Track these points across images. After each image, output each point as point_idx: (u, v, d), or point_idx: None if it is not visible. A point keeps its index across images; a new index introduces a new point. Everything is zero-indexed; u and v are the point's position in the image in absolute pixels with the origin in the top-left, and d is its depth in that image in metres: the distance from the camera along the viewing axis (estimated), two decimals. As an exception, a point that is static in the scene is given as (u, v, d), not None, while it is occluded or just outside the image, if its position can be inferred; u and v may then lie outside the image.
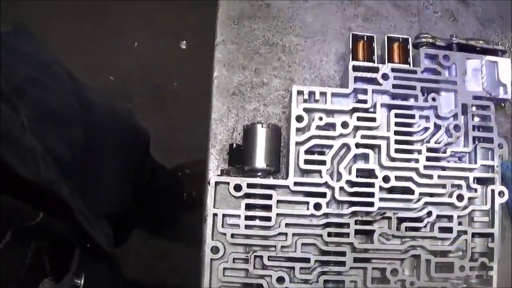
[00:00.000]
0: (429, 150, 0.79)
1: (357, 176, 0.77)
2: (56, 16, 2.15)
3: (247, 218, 0.76)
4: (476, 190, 0.79)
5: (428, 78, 0.81)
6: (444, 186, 0.79)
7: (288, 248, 0.76)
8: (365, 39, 0.81)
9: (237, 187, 0.75)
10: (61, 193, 0.75)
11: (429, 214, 0.78)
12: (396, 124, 0.79)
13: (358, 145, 0.78)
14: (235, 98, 0.86)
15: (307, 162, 0.77)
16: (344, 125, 0.78)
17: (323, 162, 0.77)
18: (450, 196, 0.78)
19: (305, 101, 0.79)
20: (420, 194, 0.78)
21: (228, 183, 0.76)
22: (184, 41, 2.19)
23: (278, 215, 0.76)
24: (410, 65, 0.81)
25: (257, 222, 0.76)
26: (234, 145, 0.80)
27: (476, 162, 0.80)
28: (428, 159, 0.78)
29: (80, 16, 2.18)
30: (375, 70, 0.80)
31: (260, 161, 0.76)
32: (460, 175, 0.79)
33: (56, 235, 0.80)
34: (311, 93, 0.79)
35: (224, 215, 0.75)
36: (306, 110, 0.78)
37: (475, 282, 0.79)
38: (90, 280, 0.84)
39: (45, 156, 0.75)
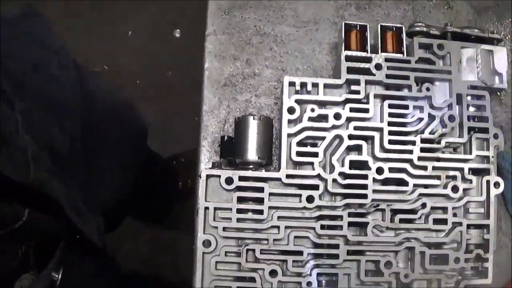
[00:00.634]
0: (424, 141, 0.78)
1: (350, 168, 0.76)
2: (50, 6, 2.13)
3: (239, 211, 0.75)
4: (471, 181, 0.78)
5: (422, 67, 0.79)
6: (438, 177, 0.78)
7: (280, 241, 0.75)
8: (358, 28, 0.80)
9: (229, 180, 0.74)
10: (52, 192, 0.74)
11: (424, 205, 0.77)
12: (390, 115, 0.77)
13: (351, 137, 0.77)
14: (226, 90, 0.85)
15: (299, 154, 0.76)
16: (337, 116, 0.76)
17: (315, 154, 0.76)
18: (445, 187, 0.78)
19: (297, 92, 0.78)
20: (414, 185, 0.77)
21: (219, 176, 0.75)
22: (178, 30, 2.17)
23: (270, 208, 0.75)
24: (403, 55, 0.79)
25: (249, 215, 0.75)
26: (226, 137, 0.79)
27: (471, 153, 0.79)
28: (423, 150, 0.77)
29: (74, 5, 2.16)
30: (368, 60, 0.78)
31: (252, 154, 0.75)
32: (455, 166, 0.78)
33: (43, 233, 0.79)
34: (303, 84, 0.78)
35: (215, 208, 0.75)
36: (298, 101, 0.76)
37: (470, 273, 0.78)
38: (76, 274, 0.83)
39: (39, 153, 0.73)
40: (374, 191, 0.76)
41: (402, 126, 0.78)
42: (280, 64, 0.86)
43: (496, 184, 0.78)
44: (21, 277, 0.74)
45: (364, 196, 0.76)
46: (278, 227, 0.75)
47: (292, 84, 0.77)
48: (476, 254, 0.77)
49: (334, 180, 0.76)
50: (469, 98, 0.80)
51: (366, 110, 0.77)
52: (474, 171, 0.79)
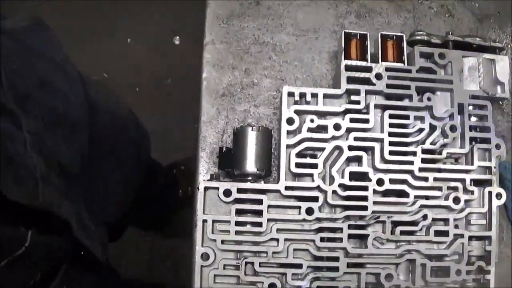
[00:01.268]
0: (425, 151, 0.77)
1: (350, 180, 0.75)
2: (49, 13, 2.13)
3: (238, 223, 0.74)
4: (473, 192, 0.78)
5: (423, 77, 0.78)
6: (440, 188, 0.77)
7: (279, 254, 0.74)
8: (358, 37, 0.79)
9: (227, 193, 0.74)
10: (61, 212, 0.73)
11: (425, 217, 0.76)
12: (390, 125, 0.77)
13: (351, 148, 0.76)
14: (224, 99, 0.84)
15: (298, 165, 0.75)
16: (337, 127, 0.76)
17: (315, 166, 0.75)
18: (446, 198, 0.77)
19: (296, 102, 0.77)
20: (415, 197, 0.76)
21: (217, 188, 0.74)
22: (177, 37, 2.17)
23: (269, 220, 0.74)
24: (404, 64, 0.79)
25: (248, 228, 0.74)
26: (224, 148, 0.78)
27: (473, 164, 0.78)
28: (424, 161, 0.76)
29: (74, 13, 2.16)
30: (368, 69, 0.77)
31: (250, 165, 0.75)
32: (456, 177, 0.78)
33: (47, 260, 0.77)
34: (302, 95, 0.77)
35: (214, 221, 0.74)
36: (297, 112, 0.76)
37: (472, 286, 0.77)
38: None
39: (48, 172, 0.72)
40: (375, 202, 0.75)
41: (403, 137, 0.77)
42: (279, 74, 0.86)
43: (498, 195, 0.78)
44: None
45: (365, 208, 0.75)
46: (277, 239, 0.74)
47: (291, 94, 0.77)
48: (477, 266, 0.77)
49: (334, 192, 0.75)
50: (470, 108, 0.79)
51: (366, 121, 0.76)
52: (476, 182, 0.78)
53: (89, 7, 2.19)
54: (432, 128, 0.77)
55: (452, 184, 0.77)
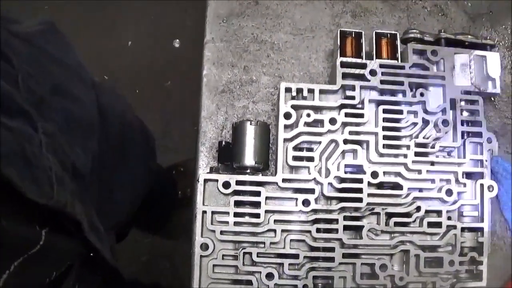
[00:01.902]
0: (418, 145, 0.79)
1: (345, 172, 0.77)
2: (49, 14, 2.15)
3: (236, 215, 0.76)
4: (465, 185, 0.79)
5: (416, 73, 0.81)
6: (433, 181, 0.79)
7: (277, 245, 0.76)
8: (353, 35, 0.81)
9: (226, 184, 0.76)
10: (74, 213, 0.74)
11: (418, 209, 0.78)
12: (384, 119, 0.79)
13: (346, 141, 0.78)
14: (224, 96, 0.86)
15: (295, 158, 0.77)
16: (332, 121, 0.78)
17: (311, 159, 0.78)
18: (439, 191, 0.79)
19: (293, 98, 0.79)
20: (409, 189, 0.78)
21: (217, 181, 0.76)
22: (177, 40, 2.19)
23: (267, 211, 0.76)
24: (398, 61, 0.81)
25: (246, 219, 0.76)
26: (223, 143, 0.80)
27: (465, 157, 0.80)
28: (417, 154, 0.78)
29: (73, 15, 2.18)
30: (363, 66, 0.80)
31: (249, 159, 0.77)
32: (449, 170, 0.79)
33: (61, 258, 0.78)
34: (299, 90, 0.79)
35: (213, 212, 0.76)
36: (294, 107, 0.78)
37: (465, 276, 0.79)
38: None
39: (61, 173, 0.73)
40: (369, 194, 0.77)
41: (397, 131, 0.79)
42: (277, 71, 0.88)
43: (490, 187, 0.79)
44: None
45: (359, 200, 0.77)
46: (274, 230, 0.76)
47: (288, 90, 0.79)
48: (470, 257, 0.78)
49: (330, 184, 0.77)
50: (462, 103, 0.81)
51: (361, 115, 0.78)
52: (467, 175, 0.80)
53: (89, 9, 2.21)
54: (425, 122, 0.79)
55: (445, 176, 0.79)
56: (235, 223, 0.76)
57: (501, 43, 0.92)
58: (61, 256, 0.77)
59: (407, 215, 0.78)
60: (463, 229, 0.79)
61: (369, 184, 0.77)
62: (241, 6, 0.90)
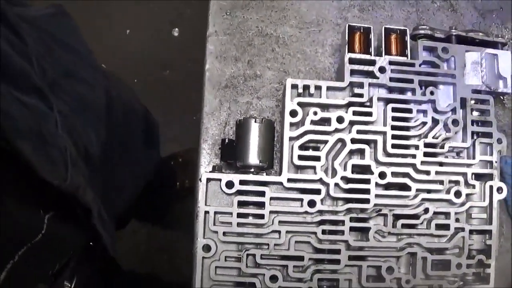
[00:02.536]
0: (427, 145, 0.77)
1: (352, 172, 0.75)
2: (48, 3, 2.11)
3: (240, 215, 0.74)
4: (474, 186, 0.78)
5: (426, 71, 0.78)
6: (441, 182, 0.77)
7: (281, 246, 0.74)
8: (362, 30, 0.79)
9: (229, 184, 0.73)
10: (85, 197, 0.72)
11: (426, 211, 0.76)
12: (393, 118, 0.76)
13: (353, 140, 0.76)
14: (227, 91, 0.83)
15: (301, 158, 0.75)
16: (340, 119, 0.75)
17: (317, 158, 0.75)
18: (448, 192, 0.77)
19: (299, 95, 0.77)
20: (417, 190, 0.76)
21: (220, 180, 0.74)
22: (176, 29, 2.16)
23: (271, 212, 0.74)
24: (407, 58, 0.78)
25: (249, 220, 0.74)
26: (227, 140, 0.78)
27: (474, 158, 0.78)
28: (426, 154, 0.76)
29: (72, 4, 2.14)
30: (372, 63, 0.77)
31: (253, 157, 0.74)
32: (458, 171, 0.78)
33: (62, 246, 0.76)
34: (306, 87, 0.77)
35: (216, 213, 0.74)
36: (300, 104, 0.75)
37: (472, 279, 0.78)
38: (86, 281, 0.81)
39: (76, 155, 0.71)
40: (377, 195, 0.75)
41: (406, 130, 0.77)
42: (282, 66, 0.85)
43: (499, 189, 0.78)
44: (36, 287, 0.72)
45: (366, 201, 0.75)
46: (279, 231, 0.74)
47: (294, 86, 0.76)
48: (478, 260, 0.77)
49: (336, 185, 0.75)
50: (473, 102, 0.79)
51: (369, 114, 0.76)
52: (477, 176, 0.79)
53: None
54: (435, 122, 0.77)
55: (454, 178, 0.77)
56: (239, 224, 0.74)
57: (511, 41, 0.90)
58: (63, 246, 0.76)
59: (415, 216, 0.76)
60: (471, 232, 0.77)
61: (377, 184, 0.75)
62: (245, -2, 0.87)
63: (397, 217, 0.76)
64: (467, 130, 0.78)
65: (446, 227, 0.76)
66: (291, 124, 0.76)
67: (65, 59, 0.81)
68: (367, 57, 0.77)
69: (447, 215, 0.77)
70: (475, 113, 0.79)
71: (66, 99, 0.75)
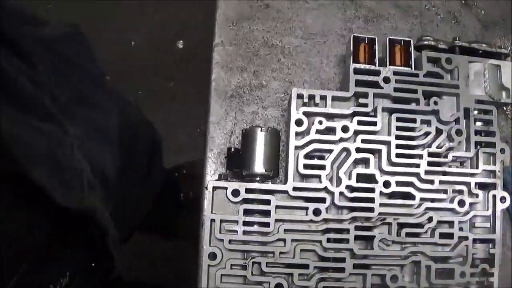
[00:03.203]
0: (431, 155, 0.77)
1: (357, 181, 0.76)
2: (53, 14, 2.13)
3: (245, 223, 0.74)
4: (477, 196, 0.78)
5: (430, 81, 0.79)
6: (445, 191, 0.78)
7: (286, 254, 0.75)
8: (366, 41, 0.80)
9: (235, 192, 0.74)
10: (101, 219, 0.72)
11: (430, 219, 0.77)
12: (397, 128, 0.77)
13: (358, 150, 0.77)
14: (233, 101, 0.84)
15: (306, 166, 0.76)
16: (345, 129, 0.76)
17: (322, 167, 0.76)
18: (451, 201, 0.77)
19: (304, 104, 0.77)
20: (421, 199, 0.77)
21: (226, 188, 0.74)
22: (181, 41, 2.17)
23: (276, 220, 0.75)
24: (412, 68, 0.79)
25: (255, 228, 0.75)
26: (232, 149, 0.79)
27: (477, 167, 0.79)
28: (430, 164, 0.77)
29: (76, 14, 2.16)
30: (377, 73, 0.78)
31: (258, 166, 0.75)
32: (461, 180, 0.78)
33: (67, 265, 0.76)
34: (311, 97, 0.78)
35: (221, 221, 0.74)
36: (305, 113, 0.76)
37: (476, 288, 0.78)
38: None
39: (91, 178, 0.72)
40: (381, 204, 0.76)
41: (410, 140, 0.77)
42: (288, 76, 0.86)
43: (502, 199, 0.78)
44: None
45: (371, 210, 0.76)
46: (284, 240, 0.75)
47: (300, 96, 0.77)
48: (481, 268, 0.77)
49: (341, 193, 0.76)
50: (476, 112, 0.80)
51: (374, 123, 0.77)
52: (480, 186, 0.79)
53: (92, 9, 2.19)
54: (439, 131, 0.78)
55: (457, 187, 0.78)
56: (244, 232, 0.74)
57: (513, 52, 0.91)
58: (67, 263, 0.75)
59: (419, 225, 0.77)
60: (474, 240, 0.78)
61: (381, 193, 0.76)
62: (251, 9, 0.88)
63: (401, 225, 0.77)
64: (471, 140, 0.78)
65: (450, 236, 0.77)
66: (297, 133, 0.76)
67: (78, 84, 0.81)
68: (371, 67, 0.78)
69: (450, 224, 0.78)
70: (478, 123, 0.80)
71: (79, 123, 0.75)
